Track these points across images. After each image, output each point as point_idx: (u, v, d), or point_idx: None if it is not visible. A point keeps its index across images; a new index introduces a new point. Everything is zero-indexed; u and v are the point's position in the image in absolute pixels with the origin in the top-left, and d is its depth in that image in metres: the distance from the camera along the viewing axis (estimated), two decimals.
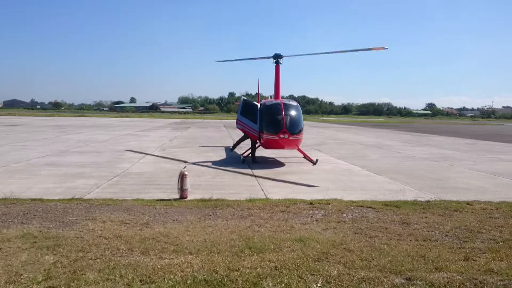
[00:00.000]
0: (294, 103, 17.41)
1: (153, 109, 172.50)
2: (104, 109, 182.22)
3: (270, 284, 5.03)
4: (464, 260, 6.01)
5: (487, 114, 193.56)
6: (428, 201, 10.02)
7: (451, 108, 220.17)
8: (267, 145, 16.74)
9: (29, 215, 7.95)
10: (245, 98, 18.63)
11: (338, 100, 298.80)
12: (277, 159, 18.33)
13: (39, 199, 9.34)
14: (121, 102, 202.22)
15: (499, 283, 5.25)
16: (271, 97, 20.64)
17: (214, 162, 16.77)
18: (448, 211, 9.06)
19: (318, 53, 22.30)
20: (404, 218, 8.34)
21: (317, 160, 17.14)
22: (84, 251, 6.01)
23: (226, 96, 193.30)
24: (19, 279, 5.00)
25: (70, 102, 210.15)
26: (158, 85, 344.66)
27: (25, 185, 11.02)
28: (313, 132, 40.44)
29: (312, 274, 5.36)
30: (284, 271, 5.41)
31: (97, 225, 7.35)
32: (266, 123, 16.26)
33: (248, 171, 14.64)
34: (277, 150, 18.29)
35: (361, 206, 9.29)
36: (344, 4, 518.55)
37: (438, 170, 15.83)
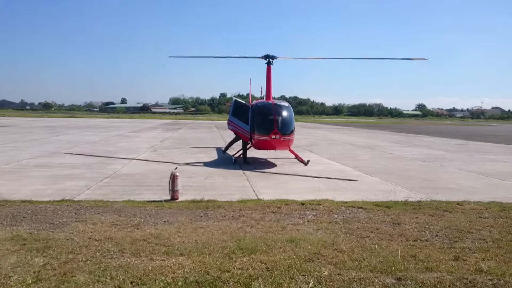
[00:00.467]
0: (286, 104, 17.42)
1: (144, 110, 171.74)
2: (95, 110, 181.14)
3: (262, 285, 5.03)
4: (454, 260, 6.05)
5: (477, 114, 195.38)
6: (418, 202, 10.09)
7: (441, 109, 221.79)
8: (259, 146, 16.74)
9: (18, 217, 7.87)
10: (236, 99, 18.62)
11: (330, 101, 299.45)
12: (269, 160, 18.34)
13: (29, 200, 9.25)
14: (112, 103, 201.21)
15: (488, 282, 5.29)
16: (262, 97, 20.65)
17: (205, 163, 16.74)
18: (439, 211, 9.12)
19: (338, 57, 22.42)
20: (395, 219, 8.38)
21: (308, 161, 17.18)
22: (74, 253, 5.97)
23: (218, 97, 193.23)
24: (9, 282, 4.95)
25: (60, 102, 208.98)
26: (149, 86, 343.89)
27: (15, 186, 10.92)
28: (304, 133, 40.53)
29: (303, 275, 5.36)
30: (275, 272, 5.41)
31: (88, 226, 7.30)
32: (258, 124, 16.26)
33: (240, 172, 14.63)
34: (268, 151, 18.29)
35: (352, 207, 9.32)
36: (336, 4, 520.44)
37: (428, 170, 15.94)
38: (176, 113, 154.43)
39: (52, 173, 13.11)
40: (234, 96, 21.95)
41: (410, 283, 5.20)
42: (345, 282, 5.20)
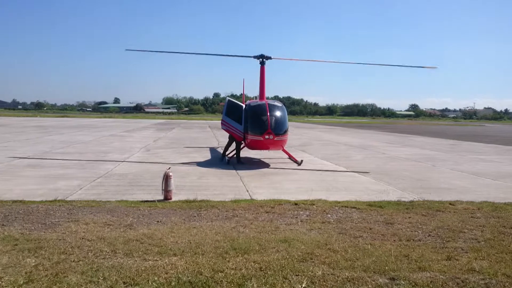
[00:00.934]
0: (279, 104, 17.43)
1: (137, 110, 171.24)
2: (88, 109, 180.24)
3: (255, 285, 5.02)
4: (446, 260, 6.08)
5: (469, 115, 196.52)
6: (411, 201, 10.13)
7: (434, 109, 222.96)
8: (252, 146, 16.73)
9: (10, 217, 7.81)
10: (230, 98, 18.59)
11: (323, 101, 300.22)
12: (262, 159, 18.34)
13: (21, 200, 9.17)
14: (105, 103, 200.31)
15: (480, 282, 5.32)
16: (256, 97, 20.64)
17: (199, 163, 16.71)
18: (431, 211, 9.16)
19: (339, 61, 22.35)
20: (388, 218, 8.41)
21: (302, 161, 17.19)
22: (66, 253, 5.93)
23: (211, 97, 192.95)
24: (0, 282, 4.91)
25: (53, 102, 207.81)
26: (142, 86, 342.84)
27: (6, 186, 10.84)
28: (298, 133, 40.57)
29: (296, 275, 5.36)
30: (269, 272, 5.41)
31: (80, 227, 7.26)
32: (251, 124, 16.25)
33: (233, 172, 14.61)
34: (262, 151, 18.29)
35: (345, 207, 9.34)
36: (330, 7, 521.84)
37: (421, 170, 16.01)
38: (169, 113, 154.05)
39: (45, 173, 13.03)
40: (228, 96, 21.92)
41: (403, 282, 5.22)
42: (338, 282, 5.21)
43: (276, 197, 10.25)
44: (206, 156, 19.73)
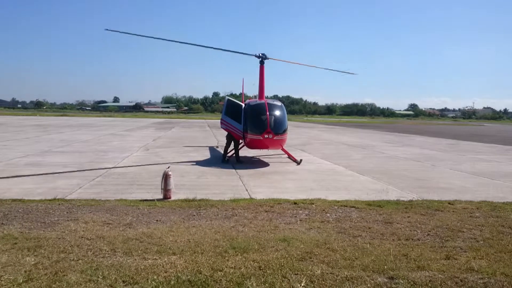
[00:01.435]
0: (279, 103, 17.44)
1: (136, 109, 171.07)
2: (87, 108, 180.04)
3: (254, 284, 5.03)
4: (445, 259, 6.09)
5: (468, 114, 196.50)
6: (410, 201, 10.14)
7: (433, 109, 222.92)
8: (251, 145, 16.74)
9: (9, 216, 7.82)
10: (229, 98, 18.58)
11: (322, 101, 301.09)
12: (261, 159, 18.35)
13: (20, 199, 9.18)
14: (104, 102, 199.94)
15: (479, 281, 5.33)
16: (255, 97, 20.64)
17: (198, 162, 16.72)
18: (430, 210, 9.17)
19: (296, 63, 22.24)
20: (387, 218, 8.42)
21: (301, 160, 17.21)
22: (66, 252, 5.94)
23: (211, 96, 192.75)
24: None
25: (52, 101, 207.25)
26: (142, 85, 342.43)
27: (6, 185, 10.84)
28: (297, 132, 40.58)
29: (296, 274, 5.38)
30: (268, 271, 5.42)
31: (79, 225, 7.27)
32: (250, 123, 16.26)
33: (232, 171, 14.62)
34: (261, 150, 18.30)
35: (344, 206, 9.35)
36: (329, 7, 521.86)
37: (420, 170, 16.02)
38: (168, 112, 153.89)
39: (44, 172, 13.02)
40: (227, 95, 21.90)
41: (402, 282, 5.23)
42: (337, 281, 5.22)
43: (275, 196, 10.26)
44: (206, 155, 19.73)
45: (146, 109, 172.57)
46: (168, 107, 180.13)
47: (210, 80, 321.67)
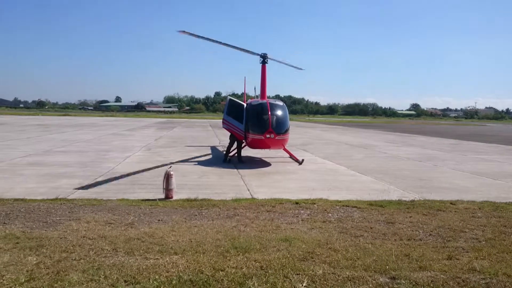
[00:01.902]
0: (280, 103, 17.43)
1: (138, 109, 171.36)
2: (89, 108, 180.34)
3: (256, 284, 5.03)
4: (447, 259, 6.08)
5: (470, 114, 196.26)
6: (412, 201, 10.12)
7: (435, 109, 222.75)
8: (253, 145, 16.74)
9: (11, 215, 7.83)
10: (231, 97, 18.58)
11: (324, 100, 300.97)
12: (263, 159, 18.34)
13: (22, 199, 9.19)
14: (106, 101, 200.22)
15: (481, 281, 5.32)
16: (257, 96, 20.63)
17: (200, 162, 16.72)
18: (432, 210, 9.16)
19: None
20: (389, 218, 8.41)
21: (303, 160, 17.21)
22: (68, 251, 5.94)
23: (212, 96, 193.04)
24: (1, 280, 4.92)
25: (54, 101, 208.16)
26: (144, 84, 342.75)
27: (8, 185, 10.85)
28: (299, 132, 40.57)
29: (297, 274, 5.37)
30: (269, 271, 5.42)
31: (81, 225, 7.27)
32: (252, 123, 16.26)
33: (234, 171, 14.62)
34: (263, 150, 18.30)
35: (346, 206, 9.34)
36: (330, 6, 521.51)
37: (422, 170, 16.00)
38: (170, 112, 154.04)
39: (46, 172, 13.04)
40: (229, 95, 21.89)
41: (404, 282, 5.22)
42: (339, 281, 5.21)
43: (277, 196, 10.25)
44: (207, 155, 19.73)
45: (148, 108, 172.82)
46: (170, 107, 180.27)
47: (212, 80, 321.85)
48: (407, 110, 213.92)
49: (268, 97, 19.51)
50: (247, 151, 18.90)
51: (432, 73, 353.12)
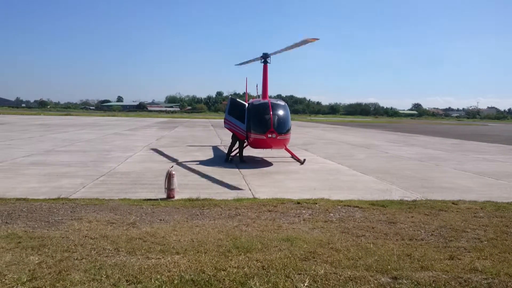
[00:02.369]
0: (282, 103, 17.43)
1: (140, 108, 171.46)
2: (91, 108, 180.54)
3: (257, 284, 5.03)
4: (449, 259, 6.07)
5: (472, 114, 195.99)
6: (414, 201, 10.11)
7: (437, 109, 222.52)
8: (255, 145, 16.74)
9: (13, 215, 7.85)
10: (233, 97, 18.58)
11: (326, 100, 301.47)
12: (265, 158, 18.34)
13: (24, 198, 9.21)
14: (108, 101, 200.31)
15: (483, 281, 5.32)
16: (259, 96, 20.61)
17: (201, 162, 16.73)
18: (434, 210, 9.15)
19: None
20: (391, 218, 8.40)
21: (304, 160, 17.20)
22: (69, 251, 5.95)
23: (214, 96, 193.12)
24: (3, 280, 4.93)
25: (56, 100, 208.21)
26: (145, 84, 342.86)
27: (10, 184, 10.88)
28: (300, 132, 40.53)
29: (299, 274, 5.37)
30: (271, 271, 5.42)
31: (83, 225, 7.28)
32: (254, 122, 16.26)
33: (236, 170, 14.62)
34: (264, 149, 18.30)
35: (348, 206, 9.33)
36: (333, 6, 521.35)
37: (424, 170, 15.98)
38: (172, 112, 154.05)
39: (48, 171, 13.06)
40: (231, 95, 21.91)
41: (406, 282, 5.22)
42: (340, 281, 5.21)
43: (278, 196, 10.25)
44: (209, 154, 19.74)
45: (149, 108, 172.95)
46: (171, 107, 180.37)
47: (213, 80, 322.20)
48: (409, 110, 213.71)
49: (270, 97, 19.48)
50: (249, 151, 18.90)
51: (434, 73, 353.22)
